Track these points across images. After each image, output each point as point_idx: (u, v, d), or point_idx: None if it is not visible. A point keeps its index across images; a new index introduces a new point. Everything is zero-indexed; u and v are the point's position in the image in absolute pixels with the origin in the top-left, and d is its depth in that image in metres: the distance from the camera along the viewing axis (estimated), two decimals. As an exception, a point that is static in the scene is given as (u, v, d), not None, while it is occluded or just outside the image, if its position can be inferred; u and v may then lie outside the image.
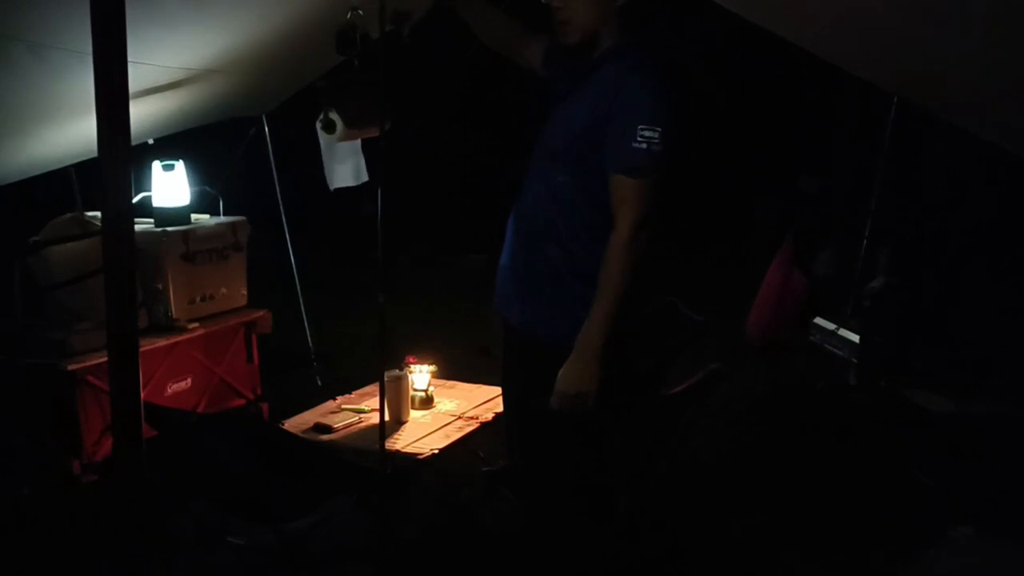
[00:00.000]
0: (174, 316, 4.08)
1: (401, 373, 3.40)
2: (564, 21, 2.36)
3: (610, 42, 2.38)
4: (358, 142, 3.86)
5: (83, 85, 1.99)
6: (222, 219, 4.50)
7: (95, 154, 1.68)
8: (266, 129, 4.94)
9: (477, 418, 3.41)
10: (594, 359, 2.30)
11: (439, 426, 3.32)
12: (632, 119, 2.25)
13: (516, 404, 2.66)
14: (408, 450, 3.12)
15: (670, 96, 2.31)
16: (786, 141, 8.41)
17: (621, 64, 2.33)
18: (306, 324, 5.21)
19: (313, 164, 3.87)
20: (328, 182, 3.91)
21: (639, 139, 2.24)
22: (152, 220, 4.22)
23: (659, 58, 2.36)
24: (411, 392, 3.44)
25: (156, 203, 4.23)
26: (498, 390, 3.27)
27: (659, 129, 2.25)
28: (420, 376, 3.50)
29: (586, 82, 2.38)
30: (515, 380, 2.64)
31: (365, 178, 4.01)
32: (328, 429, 3.24)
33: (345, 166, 3.95)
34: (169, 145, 4.41)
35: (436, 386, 3.58)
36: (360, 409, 3.42)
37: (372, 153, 2.82)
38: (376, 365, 2.88)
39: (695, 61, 7.63)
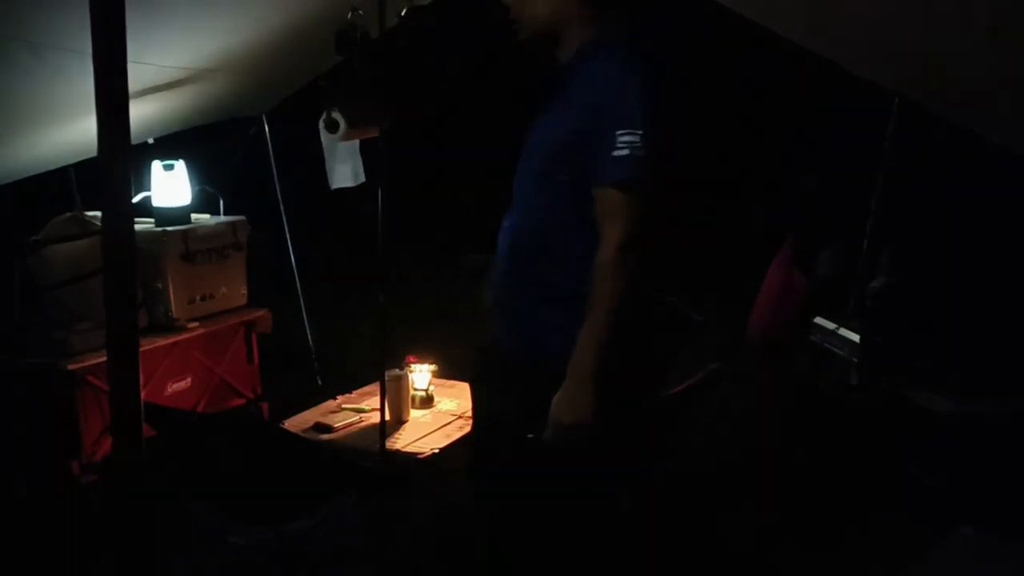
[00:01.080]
0: (174, 316, 4.08)
1: (401, 372, 3.39)
2: (512, 19, 2.23)
3: (581, 40, 2.24)
4: (356, 143, 3.87)
5: (83, 85, 1.99)
6: (222, 219, 4.50)
7: (95, 154, 1.67)
8: (266, 129, 4.94)
9: (477, 418, 3.40)
10: (588, 386, 2.14)
11: (439, 426, 3.32)
12: (611, 124, 2.10)
13: (494, 419, 2.49)
14: (408, 450, 3.12)
15: (654, 95, 2.14)
16: (785, 140, 8.40)
17: (598, 63, 2.19)
18: (306, 324, 5.21)
19: (313, 163, 3.88)
20: (329, 181, 3.94)
21: (619, 145, 2.08)
22: (152, 220, 4.22)
23: (642, 53, 2.20)
24: (411, 392, 3.44)
25: (156, 203, 4.24)
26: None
27: (640, 132, 2.08)
28: (420, 376, 3.50)
29: (565, 87, 2.25)
30: (502, 393, 2.45)
31: (363, 179, 4.03)
32: (328, 429, 3.24)
33: (345, 166, 3.97)
34: (169, 145, 4.42)
35: (436, 386, 3.58)
36: (360, 409, 3.41)
37: (372, 153, 2.81)
38: (376, 364, 2.88)
39: (686, 57, 7.59)
